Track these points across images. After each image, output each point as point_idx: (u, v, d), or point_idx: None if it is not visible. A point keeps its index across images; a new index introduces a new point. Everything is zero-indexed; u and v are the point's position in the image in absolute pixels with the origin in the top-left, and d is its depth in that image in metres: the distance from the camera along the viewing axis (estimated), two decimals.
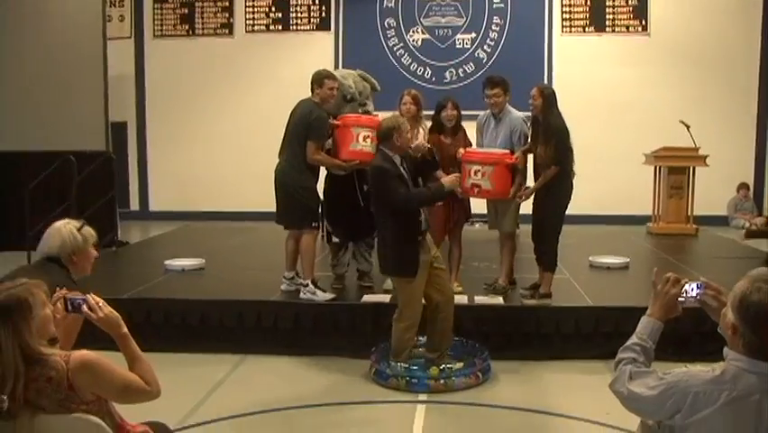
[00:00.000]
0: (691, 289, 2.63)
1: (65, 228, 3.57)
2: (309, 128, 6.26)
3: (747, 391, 2.30)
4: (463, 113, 6.61)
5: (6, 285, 2.57)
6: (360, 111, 6.70)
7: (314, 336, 6.22)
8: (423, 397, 5.25)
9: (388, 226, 5.46)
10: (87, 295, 2.81)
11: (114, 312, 2.80)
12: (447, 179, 5.58)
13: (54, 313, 2.71)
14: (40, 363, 2.50)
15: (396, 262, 5.47)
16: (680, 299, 2.63)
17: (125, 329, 2.79)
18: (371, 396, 5.29)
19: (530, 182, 6.36)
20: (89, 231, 3.63)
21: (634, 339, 2.64)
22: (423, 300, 5.55)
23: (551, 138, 6.11)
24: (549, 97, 6.19)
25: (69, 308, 2.80)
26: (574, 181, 6.25)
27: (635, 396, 2.48)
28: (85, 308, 2.77)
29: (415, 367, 5.42)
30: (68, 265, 3.54)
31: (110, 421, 2.66)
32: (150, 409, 2.95)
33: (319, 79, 6.37)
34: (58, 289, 2.87)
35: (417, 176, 5.67)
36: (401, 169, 5.44)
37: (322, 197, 6.80)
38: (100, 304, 2.78)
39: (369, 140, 6.24)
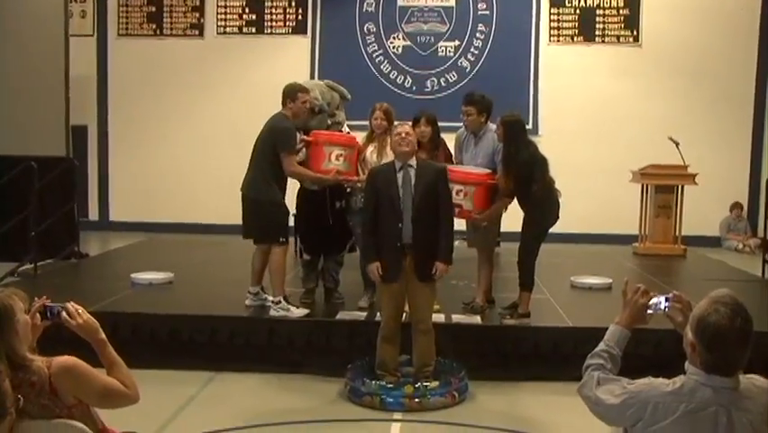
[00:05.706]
0: (659, 301, 2.93)
1: None
2: (276, 141, 6.43)
3: (704, 404, 2.61)
4: (444, 124, 6.81)
5: None
6: (329, 122, 6.94)
7: (288, 353, 6.45)
8: (398, 416, 5.52)
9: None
10: (67, 303, 3.07)
11: (93, 319, 3.06)
12: None
13: (33, 321, 2.98)
14: (23, 368, 2.78)
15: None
16: (648, 311, 2.97)
17: (103, 335, 3.06)
18: (345, 414, 5.56)
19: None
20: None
21: (602, 346, 2.96)
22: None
23: (508, 169, 6.37)
24: (509, 126, 6.36)
25: (48, 315, 3.05)
26: (562, 200, 6.51)
27: (601, 402, 2.81)
28: (64, 314, 3.03)
29: (389, 385, 5.69)
30: None
31: (92, 426, 2.94)
32: (121, 423, 3.24)
33: (292, 93, 6.54)
34: (36, 298, 3.14)
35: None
36: (395, 174, 5.69)
37: (294, 212, 7.06)
38: (79, 311, 3.04)
39: (341, 158, 6.52)
